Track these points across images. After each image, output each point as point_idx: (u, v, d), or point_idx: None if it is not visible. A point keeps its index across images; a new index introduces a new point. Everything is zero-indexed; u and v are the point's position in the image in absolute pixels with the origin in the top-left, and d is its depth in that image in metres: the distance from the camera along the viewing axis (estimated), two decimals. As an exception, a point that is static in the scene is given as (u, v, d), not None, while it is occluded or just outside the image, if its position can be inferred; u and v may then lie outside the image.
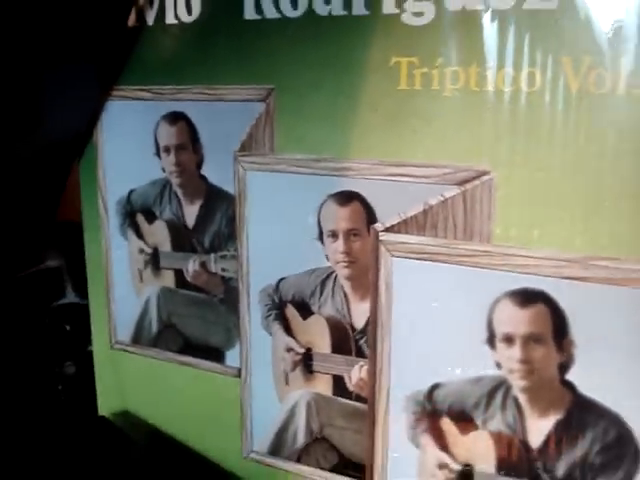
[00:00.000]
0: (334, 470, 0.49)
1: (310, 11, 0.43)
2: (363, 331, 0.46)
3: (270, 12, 0.44)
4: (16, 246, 0.57)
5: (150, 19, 0.49)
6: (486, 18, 0.38)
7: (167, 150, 0.50)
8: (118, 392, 0.57)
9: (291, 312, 0.48)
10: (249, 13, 0.45)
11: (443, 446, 0.44)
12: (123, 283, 0.55)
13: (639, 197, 0.36)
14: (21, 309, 0.57)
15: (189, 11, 0.47)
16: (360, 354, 0.46)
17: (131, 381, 0.56)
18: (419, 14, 0.40)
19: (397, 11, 0.40)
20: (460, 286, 0.42)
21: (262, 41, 0.45)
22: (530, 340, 0.40)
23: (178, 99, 0.49)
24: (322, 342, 0.47)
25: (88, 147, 0.53)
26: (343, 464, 0.48)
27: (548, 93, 0.38)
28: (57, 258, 0.58)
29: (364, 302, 0.45)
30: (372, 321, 0.45)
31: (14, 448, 0.51)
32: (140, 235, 0.53)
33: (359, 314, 0.46)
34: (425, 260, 0.42)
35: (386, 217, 0.43)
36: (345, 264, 0.45)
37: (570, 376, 0.40)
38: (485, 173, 0.40)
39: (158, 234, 0.52)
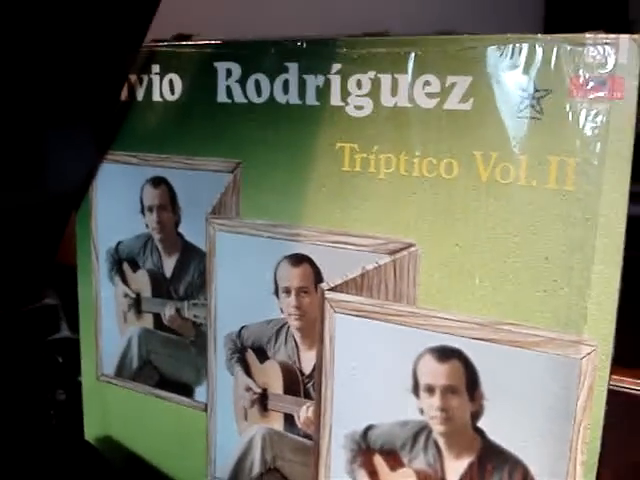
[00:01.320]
0: (284, 498, 0.55)
1: (271, 99, 0.50)
2: (310, 376, 0.52)
3: (238, 97, 0.51)
4: (18, 284, 0.63)
5: (140, 96, 0.56)
6: (413, 115, 0.45)
7: (150, 209, 0.57)
8: (102, 419, 0.63)
9: (250, 356, 0.54)
10: (221, 97, 0.52)
11: (375, 481, 0.50)
12: (110, 322, 0.61)
13: (535, 273, 0.43)
14: (20, 341, 0.64)
15: (172, 91, 0.54)
16: (307, 396, 0.52)
17: (114, 410, 0.62)
18: (360, 107, 0.47)
19: (342, 104, 0.47)
20: (390, 341, 0.48)
21: (231, 121, 0.52)
22: (447, 391, 0.46)
23: (160, 165, 0.56)
24: (276, 384, 0.54)
25: (84, 201, 0.60)
26: (292, 493, 0.54)
27: (463, 180, 0.44)
28: (54, 297, 0.65)
29: (312, 350, 0.51)
30: (317, 368, 0.51)
31: (4, 464, 0.58)
32: (125, 281, 0.60)
33: (307, 361, 0.52)
34: (362, 317, 0.49)
35: (331, 278, 0.49)
36: (296, 317, 0.52)
37: (480, 423, 0.46)
38: (411, 245, 0.46)
39: (140, 281, 0.59)
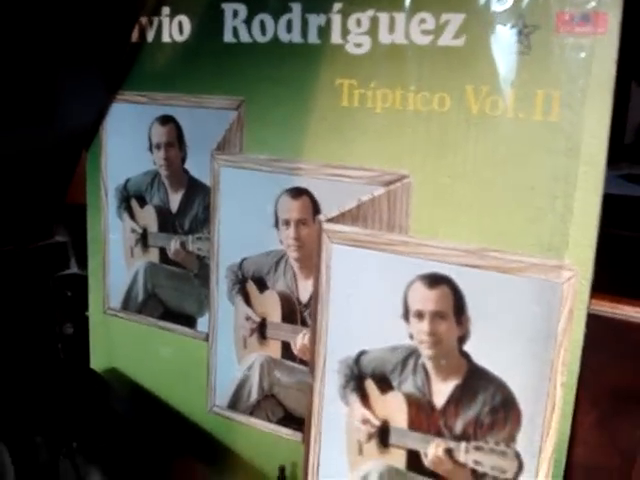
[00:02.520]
0: (280, 423, 0.57)
1: (275, 38, 0.52)
2: (307, 304, 0.55)
3: (244, 37, 0.53)
4: (29, 222, 0.66)
5: (150, 37, 0.58)
6: (409, 51, 0.47)
7: (158, 146, 0.59)
8: (108, 351, 0.66)
9: (251, 287, 0.57)
10: (227, 37, 0.54)
11: (366, 404, 0.53)
12: (117, 257, 0.64)
13: (521, 201, 0.45)
14: (30, 276, 0.67)
15: (181, 32, 0.56)
16: (304, 324, 0.55)
17: (119, 342, 0.65)
18: (359, 45, 0.49)
19: (342, 42, 0.49)
20: (383, 269, 0.50)
21: (236, 60, 0.54)
22: (436, 316, 0.49)
23: (169, 104, 0.58)
24: (274, 313, 0.56)
25: (95, 140, 0.63)
26: (287, 418, 0.57)
27: (455, 113, 0.46)
28: (64, 234, 0.68)
29: (309, 280, 0.54)
30: (314, 296, 0.53)
31: (16, 392, 0.61)
32: (133, 217, 0.62)
33: (305, 290, 0.55)
34: (357, 247, 0.51)
35: (328, 210, 0.52)
36: (295, 248, 0.54)
37: (467, 347, 0.48)
38: (405, 177, 0.49)
39: (147, 217, 0.62)
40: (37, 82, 0.57)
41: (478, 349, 0.48)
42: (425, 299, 0.49)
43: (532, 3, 0.43)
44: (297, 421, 0.56)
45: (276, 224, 0.55)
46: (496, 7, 0.44)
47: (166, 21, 0.57)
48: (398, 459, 0.52)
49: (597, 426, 0.46)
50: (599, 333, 0.45)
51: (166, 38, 0.57)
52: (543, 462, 0.46)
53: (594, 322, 0.44)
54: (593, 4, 0.41)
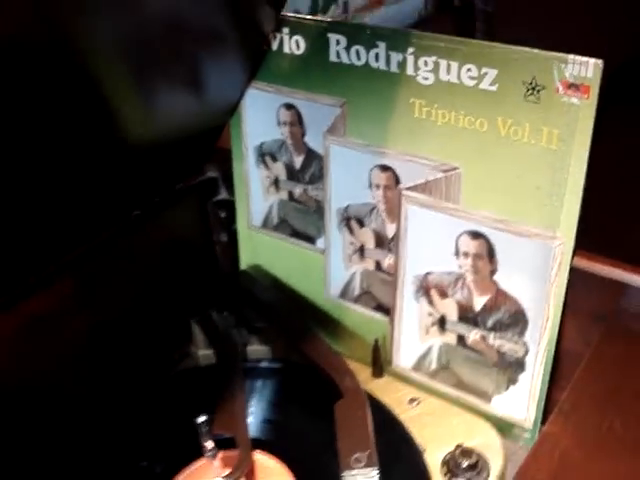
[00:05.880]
0: (374, 310, 0.87)
1: (367, 63, 0.74)
2: (392, 239, 0.81)
3: (344, 59, 0.75)
4: (188, 162, 0.93)
5: (274, 46, 0.81)
6: (459, 88, 0.69)
7: (284, 124, 0.83)
8: (252, 254, 0.94)
9: (354, 223, 0.83)
10: (332, 57, 0.76)
11: (431, 304, 0.81)
12: (256, 192, 0.90)
13: (530, 196, 0.69)
14: (190, 201, 0.94)
15: (297, 48, 0.78)
16: (390, 250, 0.82)
17: (259, 249, 0.93)
18: (425, 78, 0.71)
19: (414, 74, 0.71)
20: (442, 224, 0.76)
21: (339, 73, 0.76)
22: (476, 257, 0.75)
23: (290, 96, 0.82)
24: (370, 242, 0.83)
25: (236, 113, 0.87)
26: (379, 307, 0.86)
27: (490, 134, 0.69)
28: (215, 171, 0.95)
29: (393, 224, 0.80)
30: (397, 235, 0.80)
31: (186, 279, 0.91)
32: (268, 168, 0.88)
33: (390, 230, 0.81)
34: (425, 208, 0.76)
35: (405, 182, 0.77)
36: (383, 203, 0.80)
37: (495, 277, 0.75)
38: (456, 168, 0.73)
39: (279, 169, 0.87)
40: (208, 67, 0.78)
41: (502, 279, 0.75)
42: (469, 245, 0.75)
43: (542, 73, 0.64)
44: (386, 310, 0.85)
45: (370, 186, 0.80)
46: (518, 70, 0.65)
47: (286, 38, 0.79)
48: (451, 338, 0.81)
49: (575, 332, 0.73)
50: (577, 277, 0.71)
51: (286, 50, 0.79)
52: (540, 350, 0.74)
53: (574, 272, 0.70)
54: (582, 78, 0.63)
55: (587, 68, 0.62)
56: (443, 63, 0.69)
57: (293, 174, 0.86)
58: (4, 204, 0.65)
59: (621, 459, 0.57)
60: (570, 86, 0.63)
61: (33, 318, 0.76)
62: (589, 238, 0.70)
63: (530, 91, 0.65)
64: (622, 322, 0.70)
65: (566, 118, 0.64)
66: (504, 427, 0.79)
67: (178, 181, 0.92)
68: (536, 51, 0.64)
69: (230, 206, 0.94)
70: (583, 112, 0.64)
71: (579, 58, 0.62)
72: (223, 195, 0.95)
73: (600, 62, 0.62)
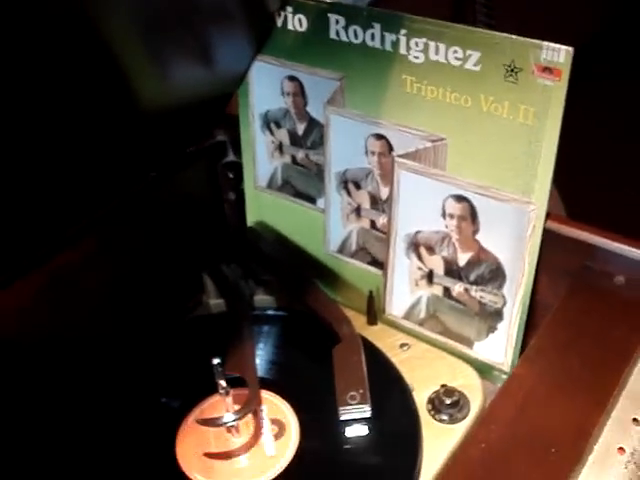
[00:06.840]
0: (369, 264, 0.95)
1: (364, 42, 0.81)
2: (385, 200, 0.89)
3: (343, 37, 0.82)
4: (199, 127, 1.00)
5: (279, 23, 0.87)
6: (447, 67, 0.77)
7: (288, 94, 0.91)
8: (258, 212, 1.02)
9: (351, 186, 0.91)
10: (332, 35, 0.83)
11: (420, 260, 0.90)
12: (262, 155, 0.98)
13: (509, 163, 0.77)
14: (201, 163, 1.02)
15: (300, 25, 0.85)
16: (383, 211, 0.90)
17: (265, 207, 1.01)
18: (416, 57, 0.78)
19: (406, 53, 0.79)
20: (430, 188, 0.84)
21: (339, 50, 0.83)
22: (460, 218, 0.84)
23: (294, 69, 0.89)
24: (366, 202, 0.91)
25: (244, 83, 0.95)
26: (374, 261, 0.95)
27: (473, 109, 0.77)
28: (224, 135, 1.02)
29: (386, 187, 0.88)
30: (390, 197, 0.88)
31: (195, 233, 1.00)
32: (273, 134, 0.96)
33: (384, 193, 0.89)
34: (415, 174, 0.85)
35: (397, 150, 0.85)
36: (377, 167, 0.88)
37: (477, 236, 0.84)
38: (443, 139, 0.80)
39: (282, 135, 0.95)
40: (217, 40, 0.85)
41: (484, 238, 0.83)
42: (454, 208, 0.83)
43: (519, 57, 0.71)
44: (380, 264, 0.94)
45: (366, 153, 0.88)
46: (499, 54, 0.73)
47: (290, 16, 0.86)
48: (438, 290, 0.90)
49: (546, 286, 0.82)
50: (549, 238, 0.79)
51: (290, 27, 0.86)
52: (517, 301, 0.83)
53: (547, 233, 0.79)
54: (554, 62, 0.70)
55: (559, 54, 0.69)
56: (432, 44, 0.77)
57: (296, 140, 0.94)
58: (32, 169, 0.73)
59: (577, 395, 0.67)
60: (544, 69, 0.71)
61: (62, 272, 0.85)
62: (563, 203, 0.79)
63: (509, 72, 0.73)
64: (587, 279, 0.79)
65: (541, 97, 0.72)
66: (484, 369, 0.89)
67: (190, 144, 1.00)
68: (514, 37, 0.72)
69: (238, 168, 1.01)
70: (555, 92, 0.71)
71: (552, 45, 0.70)
72: (231, 157, 1.03)
73: (571, 49, 0.69)
